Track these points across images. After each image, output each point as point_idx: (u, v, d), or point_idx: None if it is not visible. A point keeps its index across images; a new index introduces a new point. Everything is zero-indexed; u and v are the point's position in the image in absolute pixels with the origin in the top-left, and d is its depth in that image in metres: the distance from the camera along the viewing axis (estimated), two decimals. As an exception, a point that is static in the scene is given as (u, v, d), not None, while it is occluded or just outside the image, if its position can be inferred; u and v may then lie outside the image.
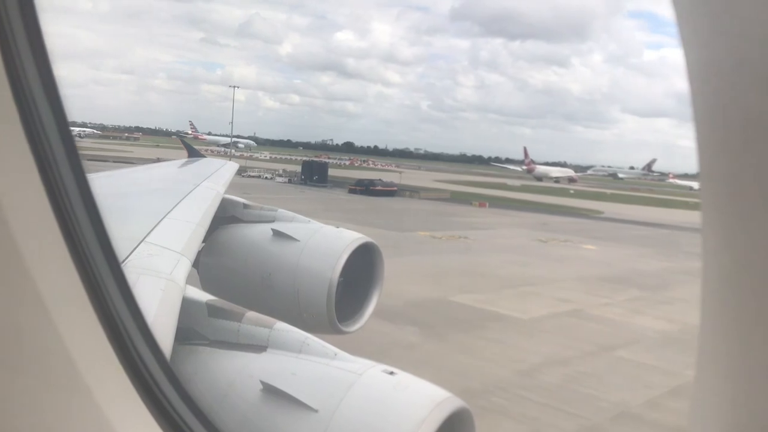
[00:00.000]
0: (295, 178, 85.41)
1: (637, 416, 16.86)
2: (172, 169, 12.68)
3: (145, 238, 5.44)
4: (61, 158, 2.13)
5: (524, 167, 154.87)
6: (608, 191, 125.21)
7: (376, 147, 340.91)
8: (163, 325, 3.89)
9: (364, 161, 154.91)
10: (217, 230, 8.18)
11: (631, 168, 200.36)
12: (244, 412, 4.17)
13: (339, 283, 7.49)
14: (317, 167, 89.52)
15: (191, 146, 16.22)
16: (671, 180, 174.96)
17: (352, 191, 76.93)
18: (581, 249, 45.41)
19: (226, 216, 8.42)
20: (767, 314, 0.91)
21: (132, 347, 2.35)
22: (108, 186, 8.03)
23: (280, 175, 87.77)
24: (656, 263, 42.12)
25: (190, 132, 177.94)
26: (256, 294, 7.75)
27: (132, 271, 4.45)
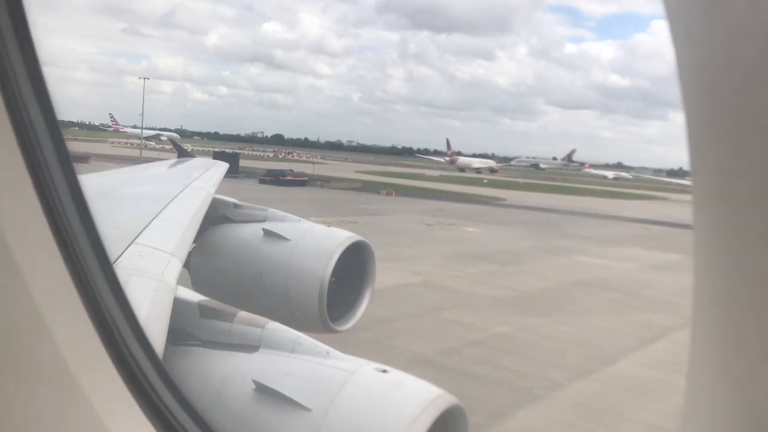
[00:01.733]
0: None
1: (429, 361, 18.79)
2: (161, 170, 12.61)
3: (135, 239, 5.43)
4: (52, 159, 2.12)
5: (447, 159, 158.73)
6: (521, 181, 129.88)
7: (306, 139, 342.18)
8: (154, 326, 3.89)
9: (288, 153, 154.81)
10: (207, 230, 8.15)
11: (554, 158, 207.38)
12: (238, 411, 4.18)
13: (330, 282, 7.47)
14: (228, 158, 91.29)
15: (181, 147, 16.19)
16: (587, 170, 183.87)
17: (262, 181, 78.06)
18: (461, 231, 47.61)
19: (216, 216, 8.39)
20: (761, 312, 0.91)
21: (125, 348, 2.35)
22: (98, 187, 7.96)
23: None
24: (525, 243, 44.60)
25: (110, 125, 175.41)
26: (247, 294, 7.73)
27: (122, 272, 4.44)
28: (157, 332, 3.80)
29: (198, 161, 13.17)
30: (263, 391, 4.10)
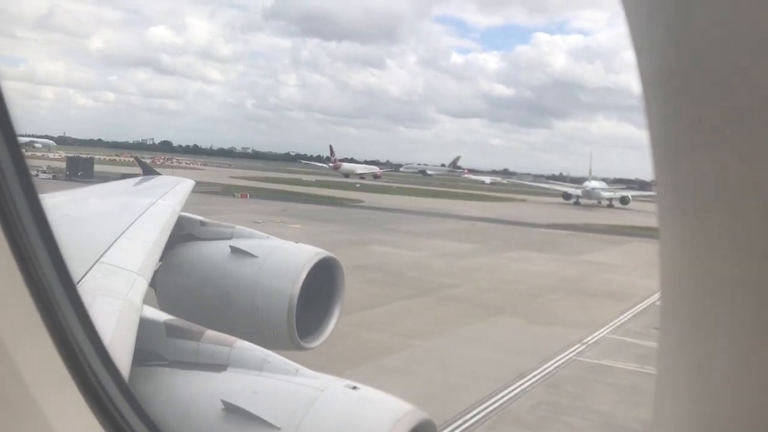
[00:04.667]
0: (61, 174, 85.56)
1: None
2: (126, 187, 12.47)
3: (99, 258, 5.34)
4: (11, 177, 2.08)
5: (331, 165, 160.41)
6: (396, 185, 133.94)
7: (196, 146, 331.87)
8: (120, 346, 3.82)
9: (168, 159, 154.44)
10: (174, 248, 8.05)
11: (443, 165, 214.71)
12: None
13: (299, 298, 7.43)
14: (82, 163, 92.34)
15: (146, 164, 15.98)
16: (466, 175, 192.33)
17: None
18: (285, 228, 47.70)
19: (182, 234, 8.30)
20: (727, 314, 0.91)
21: (89, 370, 2.31)
22: (60, 205, 7.84)
23: (44, 171, 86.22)
24: (338, 236, 45.63)
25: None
26: (215, 312, 7.64)
27: (87, 292, 4.36)
28: (122, 353, 3.74)
29: (163, 179, 13.04)
30: (232, 410, 4.04)
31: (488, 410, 16.83)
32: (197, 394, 4.32)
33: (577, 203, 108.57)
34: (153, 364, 4.54)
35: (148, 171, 14.28)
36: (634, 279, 40.78)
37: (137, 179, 13.20)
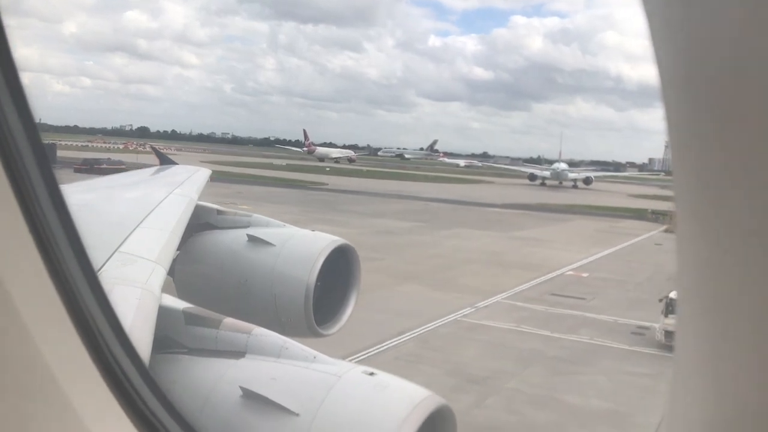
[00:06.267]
0: None
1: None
2: (144, 177, 12.45)
3: (119, 247, 5.36)
4: (33, 169, 2.11)
5: (305, 149, 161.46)
6: (366, 169, 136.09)
7: (174, 131, 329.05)
8: (140, 334, 3.88)
9: (141, 145, 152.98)
10: (191, 237, 8.08)
11: (421, 149, 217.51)
12: (226, 418, 4.19)
13: (316, 286, 7.46)
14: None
15: (163, 154, 15.62)
16: (441, 158, 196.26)
17: (77, 170, 78.73)
18: (232, 208, 50.33)
19: (200, 223, 8.31)
20: (747, 303, 0.91)
21: (111, 357, 2.34)
22: (80, 195, 7.79)
23: None
24: (285, 217, 48.41)
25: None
26: (233, 300, 7.68)
27: (106, 281, 4.39)
28: (142, 341, 3.79)
29: (180, 168, 12.95)
30: (251, 397, 4.10)
31: (353, 362, 18.53)
32: (216, 380, 4.37)
33: (543, 184, 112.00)
34: (173, 352, 4.60)
35: (166, 161, 14.09)
36: (557, 252, 42.86)
37: (154, 169, 13.16)
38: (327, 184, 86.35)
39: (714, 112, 0.89)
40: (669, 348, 22.92)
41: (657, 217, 65.64)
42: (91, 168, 77.48)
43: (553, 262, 39.19)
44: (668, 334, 23.48)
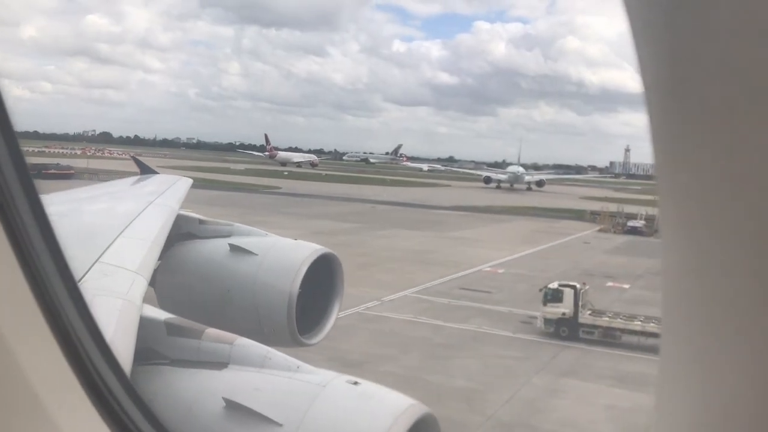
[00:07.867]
0: None
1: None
2: (124, 187, 12.28)
3: (99, 258, 5.28)
4: (12, 179, 2.08)
5: (267, 153, 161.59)
6: (326, 173, 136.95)
7: (137, 137, 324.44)
8: (121, 345, 3.83)
9: (99, 150, 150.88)
10: (172, 247, 7.97)
11: (387, 153, 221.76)
12: (209, 430, 4.16)
13: (299, 295, 7.41)
14: None
15: (144, 163, 15.17)
16: (405, 163, 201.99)
17: None
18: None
19: (181, 232, 8.22)
20: (731, 302, 0.91)
21: (92, 369, 2.31)
22: (61, 206, 7.65)
23: None
24: (221, 218, 50.18)
25: None
26: (215, 310, 7.59)
27: (87, 291, 4.31)
28: (124, 352, 3.75)
29: (161, 177, 12.78)
30: (234, 408, 4.08)
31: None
32: (199, 391, 4.34)
33: (498, 187, 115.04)
34: (154, 363, 4.54)
35: (146, 170, 13.95)
36: (484, 251, 44.20)
37: (135, 178, 12.98)
38: (281, 188, 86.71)
39: (698, 115, 0.89)
40: (548, 335, 25.18)
41: (594, 217, 68.36)
42: (39, 173, 76.61)
43: (475, 260, 40.40)
44: (547, 322, 25.65)
